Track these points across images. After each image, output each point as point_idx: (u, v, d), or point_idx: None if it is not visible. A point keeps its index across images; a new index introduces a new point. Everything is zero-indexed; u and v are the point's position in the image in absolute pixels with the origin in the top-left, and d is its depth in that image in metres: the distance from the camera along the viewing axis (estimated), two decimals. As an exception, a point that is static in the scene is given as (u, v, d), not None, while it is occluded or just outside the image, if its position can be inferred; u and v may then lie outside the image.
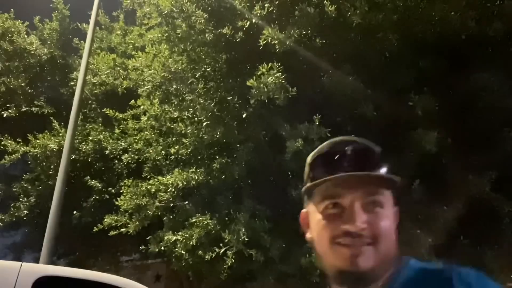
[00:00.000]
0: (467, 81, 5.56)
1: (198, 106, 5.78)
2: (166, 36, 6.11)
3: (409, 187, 5.52)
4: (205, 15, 5.66)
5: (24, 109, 8.58)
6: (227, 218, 5.62)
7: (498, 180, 5.52)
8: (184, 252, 5.59)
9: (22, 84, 8.77)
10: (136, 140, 7.20)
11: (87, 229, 7.24)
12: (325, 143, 0.93)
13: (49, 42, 9.38)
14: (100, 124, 8.14)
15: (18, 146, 7.61)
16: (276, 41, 5.08)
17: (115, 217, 6.22)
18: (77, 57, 9.47)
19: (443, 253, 6.32)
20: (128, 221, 6.14)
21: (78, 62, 8.82)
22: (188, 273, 7.00)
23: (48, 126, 7.96)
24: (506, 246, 6.03)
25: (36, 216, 8.39)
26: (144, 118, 6.88)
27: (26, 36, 9.01)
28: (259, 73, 5.04)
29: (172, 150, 6.33)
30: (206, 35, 5.76)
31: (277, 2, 5.44)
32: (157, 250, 6.03)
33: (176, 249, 5.58)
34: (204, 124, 5.85)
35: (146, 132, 7.09)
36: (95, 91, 8.62)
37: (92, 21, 7.40)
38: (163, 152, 6.66)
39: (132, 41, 8.76)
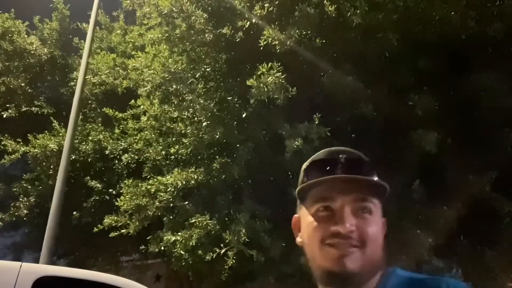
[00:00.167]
0: (467, 81, 5.56)
1: (198, 106, 5.77)
2: (166, 36, 6.11)
3: (409, 187, 5.52)
4: (205, 15, 5.66)
5: (24, 109, 8.58)
6: (227, 219, 5.62)
7: (498, 180, 5.51)
8: (183, 252, 5.59)
9: (22, 84, 8.78)
10: (136, 140, 7.20)
11: (87, 229, 7.24)
12: (320, 151, 0.97)
13: (49, 42, 9.39)
14: (100, 124, 8.14)
15: (18, 146, 7.61)
16: (276, 41, 5.08)
17: (115, 218, 6.22)
18: (77, 57, 9.47)
19: (443, 253, 6.33)
20: (128, 221, 6.14)
21: (78, 62, 8.82)
22: (188, 273, 7.00)
23: (48, 126, 7.96)
24: (506, 246, 6.03)
25: (36, 216, 8.39)
26: (144, 118, 6.87)
27: (26, 36, 9.01)
28: (259, 73, 5.04)
29: (172, 150, 6.32)
30: (206, 35, 5.76)
31: (277, 2, 5.44)
32: (157, 250, 6.04)
33: (176, 249, 5.58)
34: (204, 124, 5.85)
35: (146, 132, 7.09)
36: (95, 91, 8.62)
37: (92, 21, 7.40)
38: (163, 152, 6.65)
39: (132, 40, 8.76)
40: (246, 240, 5.21)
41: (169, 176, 5.97)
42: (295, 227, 0.98)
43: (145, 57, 6.55)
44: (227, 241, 5.25)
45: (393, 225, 5.57)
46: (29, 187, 8.25)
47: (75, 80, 8.05)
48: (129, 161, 7.06)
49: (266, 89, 4.96)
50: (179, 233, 5.56)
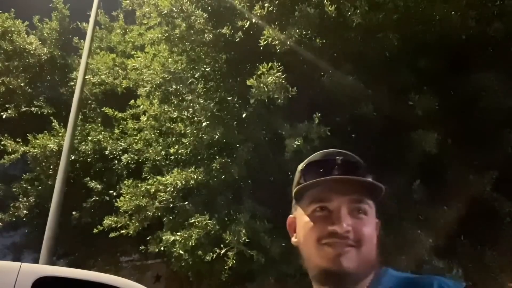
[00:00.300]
0: (468, 81, 5.55)
1: (197, 106, 5.76)
2: (166, 36, 6.10)
3: (409, 188, 5.51)
4: (205, 15, 5.65)
5: (23, 109, 8.57)
6: (227, 219, 5.61)
7: (499, 180, 5.51)
8: (183, 252, 5.58)
9: (22, 84, 8.77)
10: (135, 140, 7.19)
11: (86, 229, 7.23)
12: (316, 153, 0.99)
13: (48, 42, 9.38)
14: (100, 124, 8.13)
15: (17, 146, 7.60)
16: (276, 41, 5.08)
17: (115, 218, 6.21)
18: (76, 56, 9.47)
19: (443, 253, 6.32)
20: (128, 222, 6.13)
21: (78, 61, 8.82)
22: (188, 274, 6.98)
23: (47, 126, 7.95)
24: (506, 246, 6.02)
25: (36, 216, 8.39)
26: (143, 118, 6.86)
27: (25, 36, 9.00)
28: (259, 73, 5.03)
29: (172, 150, 6.31)
30: (206, 35, 5.75)
31: (277, 2, 5.43)
32: (156, 250, 6.02)
33: (175, 249, 5.57)
34: (204, 124, 5.84)
35: (145, 132, 7.08)
36: (95, 91, 8.61)
37: (91, 20, 7.39)
38: (162, 152, 6.64)
39: (132, 40, 8.75)
40: (246, 240, 5.20)
41: (168, 176, 5.95)
42: (290, 227, 1.01)
43: (144, 57, 6.54)
44: (227, 241, 5.24)
45: (394, 225, 5.58)
46: (29, 187, 8.24)
47: (74, 80, 8.04)
48: (129, 161, 7.05)
49: (266, 89, 4.95)
50: (179, 233, 5.55)
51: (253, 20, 5.40)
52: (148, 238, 6.26)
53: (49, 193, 6.55)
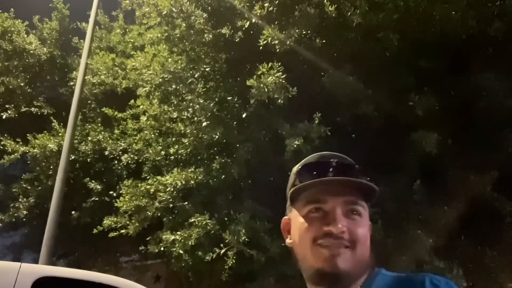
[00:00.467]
0: (468, 81, 5.55)
1: (197, 106, 5.76)
2: (166, 36, 6.10)
3: (409, 188, 5.51)
4: (205, 15, 5.65)
5: (23, 109, 8.56)
6: (226, 219, 5.61)
7: (499, 180, 5.51)
8: (183, 252, 5.57)
9: (22, 84, 8.76)
10: (135, 140, 7.18)
11: (86, 229, 7.22)
12: (310, 156, 1.01)
13: (48, 42, 9.37)
14: (100, 124, 8.11)
15: (17, 146, 7.59)
16: (276, 41, 5.07)
17: (115, 219, 6.20)
18: (76, 56, 9.46)
19: (444, 253, 6.32)
20: (127, 222, 6.12)
21: (78, 61, 8.80)
22: (188, 274, 6.98)
23: (47, 126, 7.95)
24: (506, 246, 6.02)
25: (36, 216, 8.37)
26: (143, 118, 6.85)
27: (25, 36, 8.98)
28: (259, 73, 5.03)
29: (172, 150, 6.31)
30: (206, 35, 5.75)
31: (277, 2, 5.42)
32: (156, 250, 6.01)
33: (175, 249, 5.56)
34: (204, 124, 5.83)
35: (145, 132, 7.07)
36: (95, 91, 8.59)
37: (91, 20, 7.39)
38: (162, 152, 6.64)
39: (132, 40, 8.74)
40: (246, 240, 5.20)
41: (168, 176, 5.95)
42: (284, 229, 1.02)
43: (144, 57, 6.53)
44: (227, 241, 5.24)
45: (394, 226, 5.57)
46: (29, 187, 8.23)
47: (74, 80, 8.02)
48: (129, 162, 7.04)
49: (266, 89, 4.95)
50: (178, 233, 5.54)
51: (253, 20, 5.39)
52: (148, 238, 6.25)
53: (49, 193, 6.55)
